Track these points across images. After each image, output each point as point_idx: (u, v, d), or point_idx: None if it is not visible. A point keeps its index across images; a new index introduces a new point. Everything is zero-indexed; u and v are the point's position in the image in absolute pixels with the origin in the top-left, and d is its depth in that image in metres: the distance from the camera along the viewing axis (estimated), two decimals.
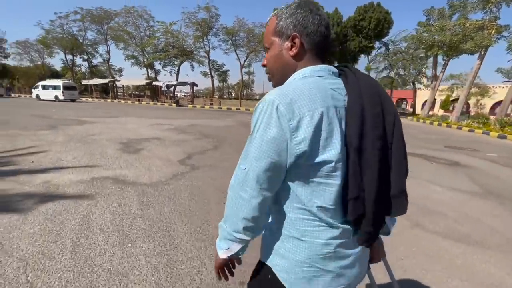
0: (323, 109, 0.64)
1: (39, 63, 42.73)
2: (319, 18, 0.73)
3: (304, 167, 0.67)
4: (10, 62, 43.98)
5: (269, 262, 0.79)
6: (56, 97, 25.82)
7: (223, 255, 0.77)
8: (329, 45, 0.77)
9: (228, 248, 0.76)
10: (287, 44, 0.75)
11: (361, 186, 0.67)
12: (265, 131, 0.65)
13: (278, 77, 0.80)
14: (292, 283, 0.74)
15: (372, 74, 27.98)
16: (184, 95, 44.43)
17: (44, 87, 27.00)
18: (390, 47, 26.80)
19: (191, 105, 27.43)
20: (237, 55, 29.32)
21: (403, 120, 21.17)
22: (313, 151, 0.64)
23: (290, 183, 0.71)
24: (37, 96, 27.50)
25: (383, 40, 27.13)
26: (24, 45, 39.80)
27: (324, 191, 0.68)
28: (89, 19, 32.71)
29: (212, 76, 31.41)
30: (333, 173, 0.67)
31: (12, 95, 34.73)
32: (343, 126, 0.67)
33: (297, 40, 0.73)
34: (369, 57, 29.06)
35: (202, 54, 31.33)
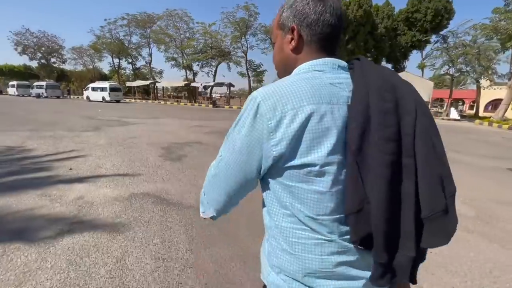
0: (312, 107, 0.56)
1: (90, 67, 46.41)
2: (322, 5, 0.63)
3: (285, 170, 0.59)
4: (67, 66, 48.64)
5: (265, 280, 0.71)
6: (103, 98, 27.40)
7: (201, 214, 0.76)
8: (338, 35, 0.67)
9: (204, 212, 0.74)
10: (288, 37, 0.68)
11: (365, 198, 0.55)
12: (242, 127, 0.60)
13: (281, 73, 0.75)
14: None
15: (427, 72, 24.90)
16: (219, 96, 44.71)
17: (93, 89, 28.86)
18: (449, 40, 23.58)
19: (228, 106, 27.13)
20: None
21: (469, 124, 18.23)
22: (292, 152, 0.56)
23: (274, 188, 0.63)
24: (87, 97, 29.49)
25: (441, 33, 24.01)
26: (78, 50, 43.50)
27: (311, 199, 0.58)
28: (134, 23, 34.44)
29: (249, 76, 30.87)
30: (318, 179, 0.57)
31: (71, 96, 37.91)
32: (343, 126, 0.57)
33: (295, 32, 0.65)
34: (423, 52, 26.00)
35: (239, 54, 30.99)
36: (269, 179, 0.64)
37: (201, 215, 0.75)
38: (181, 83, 31.25)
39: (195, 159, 5.36)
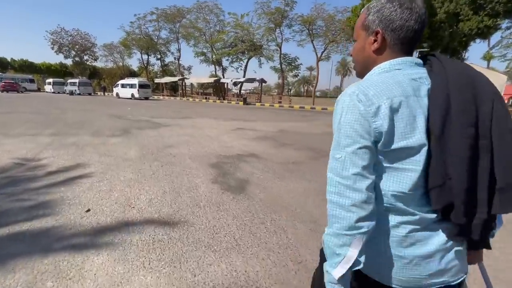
0: (401, 98, 0.65)
1: (120, 64, 46.93)
2: (409, 13, 0.69)
3: (382, 153, 0.67)
4: (98, 64, 49.71)
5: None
6: (132, 95, 26.88)
7: (339, 271, 0.65)
8: (418, 38, 0.73)
9: (344, 258, 0.65)
10: (371, 38, 0.75)
11: (446, 175, 0.64)
12: (351, 117, 0.66)
13: (359, 69, 0.83)
14: (364, 265, 0.68)
15: (495, 64, 21.22)
16: (246, 93, 43.16)
17: (122, 86, 28.49)
18: None
19: (259, 103, 25.35)
20: (313, 46, 25.72)
21: None
22: (391, 137, 0.65)
23: None
24: (117, 94, 29.23)
25: None
26: (109, 47, 44.06)
27: (402, 177, 0.67)
28: (163, 18, 33.68)
29: (283, 72, 28.67)
30: (413, 160, 0.66)
31: (106, 93, 38.30)
32: (426, 115, 0.66)
33: (379, 36, 0.72)
34: (489, 41, 22.19)
35: (272, 48, 28.90)
36: None
37: (350, 252, 0.65)
38: (210, 79, 29.92)
39: (266, 190, 3.57)
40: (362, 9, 0.77)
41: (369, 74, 0.75)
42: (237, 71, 31.94)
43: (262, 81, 26.14)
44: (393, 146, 0.64)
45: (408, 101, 0.64)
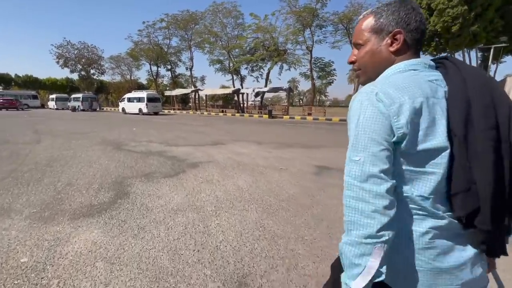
0: (422, 99, 0.62)
1: (128, 76, 44.19)
2: (420, 16, 0.71)
3: (405, 155, 0.63)
4: (105, 78, 47.19)
5: None
6: (140, 110, 23.56)
7: (359, 283, 0.58)
8: (423, 41, 0.75)
9: (364, 269, 0.58)
10: (387, 40, 0.73)
11: (471, 179, 0.61)
12: (371, 117, 0.62)
13: (371, 72, 0.77)
14: (388, 276, 0.61)
15: None
16: (252, 104, 39.29)
17: (129, 100, 25.27)
18: None
19: (287, 116, 21.44)
20: (352, 47, 21.78)
21: None
22: (414, 138, 0.62)
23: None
24: (123, 109, 26.01)
25: None
26: (116, 59, 41.47)
27: (424, 180, 0.63)
28: (174, 25, 30.68)
29: (313, 79, 24.77)
30: (435, 163, 0.63)
31: (103, 109, 35.12)
32: (446, 116, 0.63)
33: (399, 36, 0.71)
34: None
35: (299, 52, 25.21)
36: None
37: (371, 263, 0.57)
38: (228, 90, 26.28)
39: None
40: (363, 14, 0.76)
41: (383, 75, 0.72)
42: (257, 81, 28.27)
43: (289, 90, 22.30)
44: (418, 148, 0.61)
45: (428, 102, 0.62)
